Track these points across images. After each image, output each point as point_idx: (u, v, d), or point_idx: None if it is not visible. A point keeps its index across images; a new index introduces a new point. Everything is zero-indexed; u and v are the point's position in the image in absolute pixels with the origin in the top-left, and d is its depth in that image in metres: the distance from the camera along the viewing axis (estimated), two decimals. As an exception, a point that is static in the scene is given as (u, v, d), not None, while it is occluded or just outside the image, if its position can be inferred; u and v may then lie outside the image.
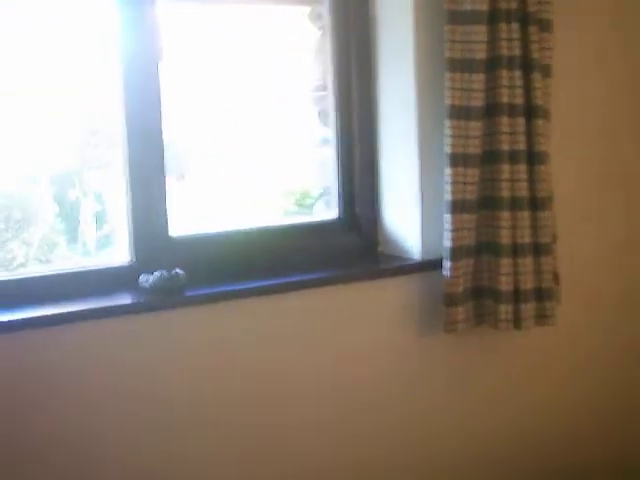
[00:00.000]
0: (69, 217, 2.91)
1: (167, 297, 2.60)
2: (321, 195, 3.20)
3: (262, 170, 3.12)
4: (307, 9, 3.05)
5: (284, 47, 3.02)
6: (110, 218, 2.91)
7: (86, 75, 2.68)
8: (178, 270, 2.65)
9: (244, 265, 2.82)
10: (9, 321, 2.40)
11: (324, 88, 3.04)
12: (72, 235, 2.89)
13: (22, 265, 2.76)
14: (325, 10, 3.00)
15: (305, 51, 3.09)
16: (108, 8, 2.61)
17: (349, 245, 3.08)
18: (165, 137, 2.74)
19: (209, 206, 3.07)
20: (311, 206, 3.24)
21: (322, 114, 3.10)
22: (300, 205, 3.27)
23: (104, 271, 2.71)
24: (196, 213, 3.07)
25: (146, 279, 2.64)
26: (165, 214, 2.78)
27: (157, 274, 2.63)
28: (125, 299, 2.60)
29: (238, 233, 2.93)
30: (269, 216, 3.18)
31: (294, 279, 2.78)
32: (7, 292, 2.54)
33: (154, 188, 2.75)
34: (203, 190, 3.02)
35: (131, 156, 2.71)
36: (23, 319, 2.42)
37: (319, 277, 2.82)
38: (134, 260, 2.75)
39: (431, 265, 2.92)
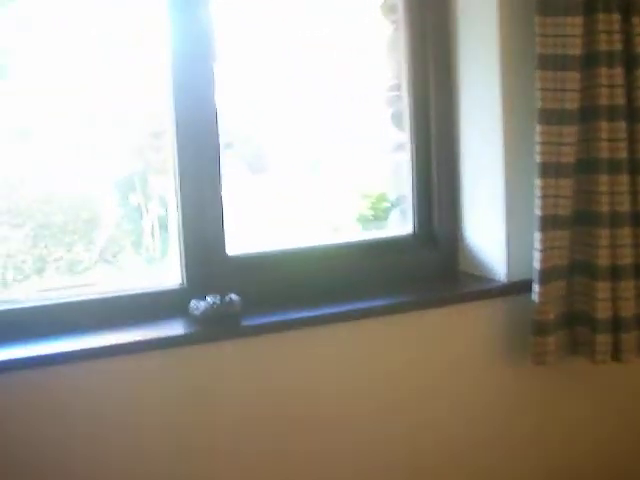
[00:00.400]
0: (134, 221, 2.87)
1: (219, 327, 2.36)
2: (396, 203, 3.03)
3: (335, 172, 3.05)
4: (379, 1, 2.86)
5: (354, 43, 2.88)
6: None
7: (148, 77, 2.61)
8: (233, 296, 2.41)
9: (308, 288, 2.59)
10: (47, 355, 2.21)
11: (398, 88, 2.86)
12: (137, 239, 2.85)
13: (88, 268, 2.69)
14: (399, 2, 2.79)
15: (377, 47, 2.92)
16: (160, 7, 2.49)
17: (425, 263, 2.83)
18: (222, 142, 2.56)
19: (278, 214, 2.99)
20: (387, 211, 3.07)
21: (396, 116, 2.90)
22: (375, 209, 3.13)
23: (150, 295, 2.48)
24: (262, 223, 2.95)
25: (197, 306, 2.38)
26: (221, 229, 2.55)
27: (209, 300, 2.39)
28: (171, 329, 2.36)
29: (303, 252, 2.71)
30: (340, 225, 3.06)
31: (364, 305, 2.54)
32: (46, 317, 2.35)
33: (209, 199, 2.53)
34: (275, 191, 2.96)
35: (182, 164, 2.50)
36: (61, 353, 2.22)
37: (392, 303, 2.58)
38: (185, 282, 2.52)
39: (518, 288, 2.68)
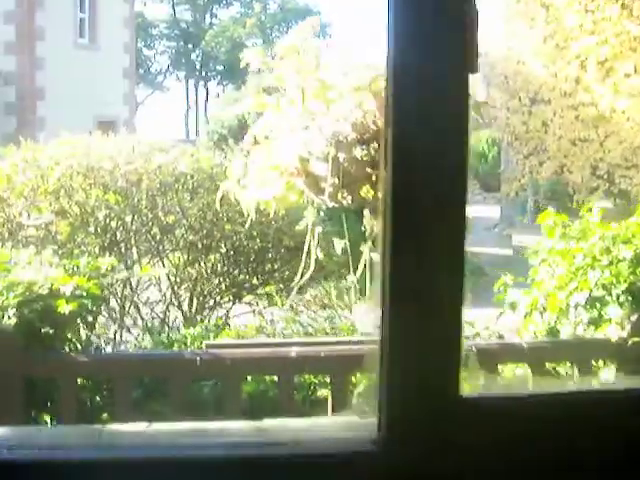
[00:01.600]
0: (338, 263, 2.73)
1: None
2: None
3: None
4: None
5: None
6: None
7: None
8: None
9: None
10: None
11: None
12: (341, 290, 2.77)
13: (275, 307, 2.59)
14: None
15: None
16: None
17: None
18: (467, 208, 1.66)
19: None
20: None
21: None
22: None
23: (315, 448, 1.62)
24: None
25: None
26: (457, 351, 1.63)
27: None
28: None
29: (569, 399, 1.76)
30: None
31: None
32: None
33: (438, 299, 1.59)
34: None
35: (398, 233, 1.58)
36: None
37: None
38: (384, 433, 1.59)
39: None
